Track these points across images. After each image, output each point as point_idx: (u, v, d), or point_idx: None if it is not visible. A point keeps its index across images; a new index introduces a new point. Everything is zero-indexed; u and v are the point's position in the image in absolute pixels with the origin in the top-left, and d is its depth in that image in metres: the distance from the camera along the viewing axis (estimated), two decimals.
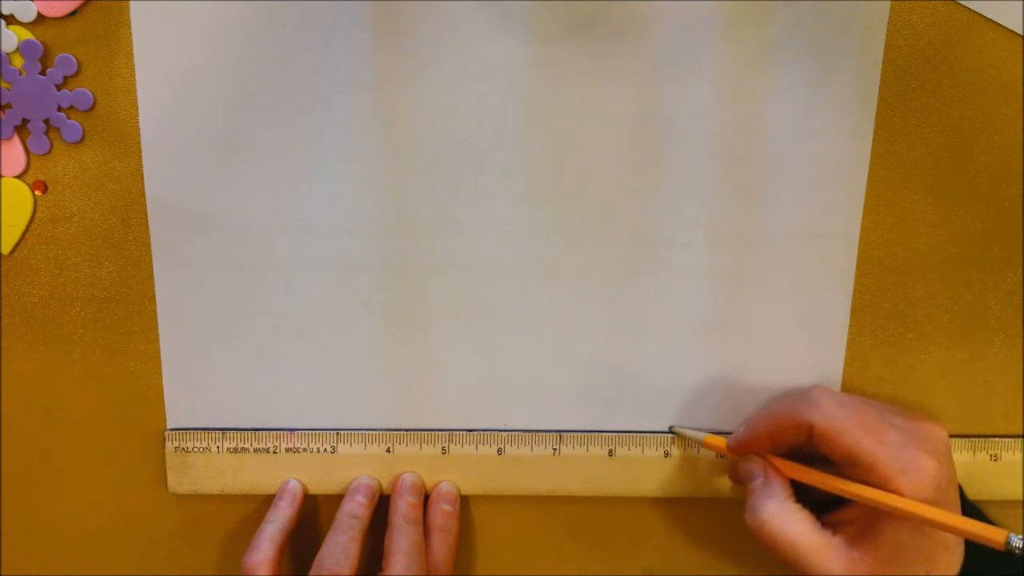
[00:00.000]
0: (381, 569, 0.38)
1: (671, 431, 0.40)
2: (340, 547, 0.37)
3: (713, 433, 0.40)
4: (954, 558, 0.34)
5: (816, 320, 0.40)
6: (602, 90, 0.37)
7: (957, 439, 0.41)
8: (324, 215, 0.38)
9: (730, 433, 0.39)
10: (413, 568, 0.37)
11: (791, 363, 0.40)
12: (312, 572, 0.37)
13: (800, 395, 0.36)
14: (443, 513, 0.40)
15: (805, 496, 0.36)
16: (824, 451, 0.34)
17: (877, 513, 0.34)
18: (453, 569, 0.40)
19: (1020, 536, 0.30)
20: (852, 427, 0.33)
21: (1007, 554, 0.34)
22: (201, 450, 0.40)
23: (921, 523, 0.32)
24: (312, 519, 0.42)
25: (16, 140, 0.37)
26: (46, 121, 0.37)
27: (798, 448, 0.36)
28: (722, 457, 0.40)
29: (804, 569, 0.34)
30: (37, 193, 0.38)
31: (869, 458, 0.33)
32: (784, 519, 0.34)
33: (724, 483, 0.41)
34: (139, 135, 0.37)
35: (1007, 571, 0.34)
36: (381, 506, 0.40)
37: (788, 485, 0.36)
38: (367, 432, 0.40)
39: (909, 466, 0.32)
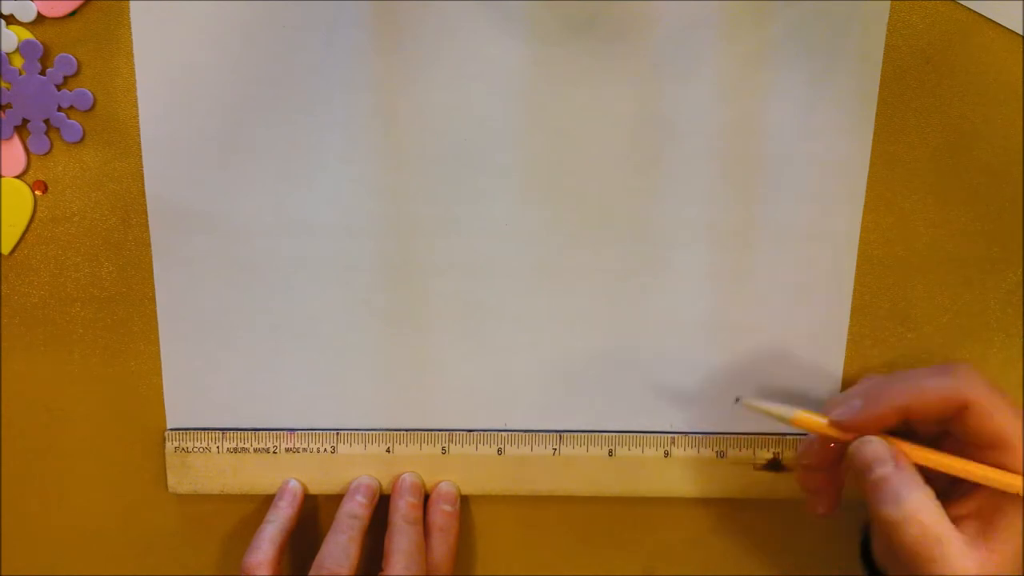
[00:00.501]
0: (381, 569, 0.38)
1: (738, 401, 0.36)
2: (340, 547, 0.37)
3: (729, 433, 0.40)
4: None
5: (816, 320, 0.40)
6: (602, 90, 0.37)
7: None
8: (324, 215, 0.38)
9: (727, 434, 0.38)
10: (413, 568, 0.37)
11: (791, 363, 0.40)
12: (312, 572, 0.37)
13: (940, 368, 0.33)
14: (443, 513, 0.40)
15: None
16: (964, 431, 0.32)
17: (995, 508, 0.32)
18: (453, 569, 0.40)
19: None
20: (1003, 407, 0.31)
21: None
22: (201, 450, 0.40)
23: None
24: (312, 519, 0.42)
25: (16, 140, 0.37)
26: (46, 121, 0.37)
27: (908, 429, 0.33)
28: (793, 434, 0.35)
29: (941, 569, 0.30)
30: (37, 193, 0.38)
31: (1017, 439, 0.31)
32: (933, 511, 0.30)
33: (724, 483, 0.41)
34: (139, 135, 0.37)
35: None
36: (381, 506, 0.40)
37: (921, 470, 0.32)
38: (367, 432, 0.40)
39: None
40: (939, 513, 0.31)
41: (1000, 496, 0.32)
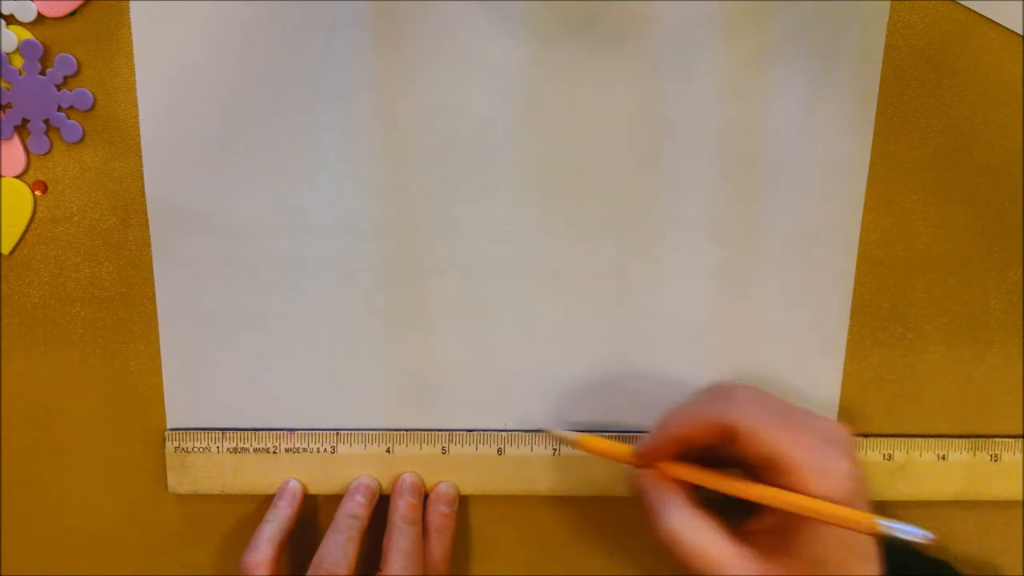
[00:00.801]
0: (379, 569, 0.38)
1: (540, 431, 0.40)
2: (338, 547, 0.37)
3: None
4: (871, 566, 0.33)
5: (816, 320, 0.40)
6: (602, 90, 0.37)
7: (957, 439, 0.41)
8: (324, 215, 0.38)
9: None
10: (410, 568, 0.37)
11: (791, 363, 0.40)
12: (310, 572, 0.37)
13: (716, 393, 0.34)
14: (440, 514, 0.40)
15: (716, 506, 0.34)
16: (740, 453, 0.33)
17: (792, 523, 0.33)
18: (449, 569, 0.40)
19: (885, 521, 0.30)
20: (773, 428, 0.32)
21: (924, 561, 0.33)
22: (201, 450, 0.40)
23: (829, 522, 0.31)
24: (312, 519, 0.42)
25: (16, 140, 0.37)
26: (46, 121, 0.37)
27: (703, 451, 0.35)
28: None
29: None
30: (37, 193, 0.38)
31: (788, 460, 0.31)
32: (694, 529, 0.32)
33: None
34: (139, 135, 0.37)
35: None
36: (381, 506, 0.40)
37: (692, 493, 0.34)
38: (367, 432, 0.40)
39: (825, 469, 0.31)
40: (706, 530, 0.32)
41: (793, 513, 0.32)
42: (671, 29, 0.36)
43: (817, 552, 0.32)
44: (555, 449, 0.40)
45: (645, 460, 0.35)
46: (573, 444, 0.38)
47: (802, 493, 0.32)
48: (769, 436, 0.32)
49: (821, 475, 0.31)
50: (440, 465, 0.40)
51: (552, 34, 0.36)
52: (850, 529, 0.31)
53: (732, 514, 0.34)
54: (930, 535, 0.29)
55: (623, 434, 0.40)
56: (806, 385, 0.40)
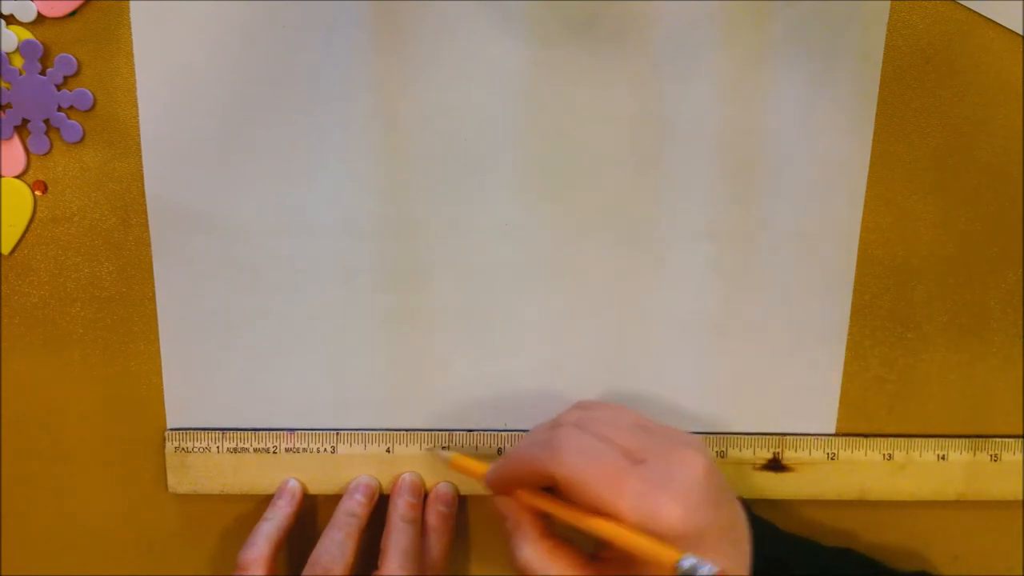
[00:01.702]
0: (377, 568, 0.38)
1: (426, 450, 0.40)
2: (336, 544, 0.37)
3: (717, 433, 0.40)
4: None
5: (816, 320, 0.40)
6: (602, 90, 0.37)
7: (957, 439, 0.41)
8: (324, 215, 0.38)
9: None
10: (408, 567, 0.37)
11: (791, 363, 0.40)
12: (307, 569, 0.37)
13: (543, 439, 0.33)
14: (439, 514, 0.40)
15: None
16: (570, 499, 0.32)
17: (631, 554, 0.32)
18: (447, 569, 0.40)
19: (692, 557, 0.29)
20: (592, 480, 0.31)
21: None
22: (201, 450, 0.40)
23: (637, 554, 0.30)
24: (311, 519, 0.42)
25: (16, 140, 0.37)
26: (46, 121, 0.37)
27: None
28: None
29: None
30: (37, 193, 0.38)
31: (610, 511, 0.31)
32: (542, 562, 0.33)
33: None
34: (139, 135, 0.37)
35: None
36: (380, 505, 0.40)
37: (542, 522, 0.34)
38: (367, 432, 0.40)
39: (648, 519, 0.30)
40: (553, 560, 0.33)
41: None
42: (671, 29, 0.36)
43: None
44: None
45: (497, 490, 0.35)
46: (448, 465, 0.38)
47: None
48: (589, 488, 0.31)
49: (644, 524, 0.30)
50: (440, 465, 0.40)
51: (552, 34, 0.36)
52: (653, 563, 0.30)
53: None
54: (715, 568, 0.29)
55: None
56: (806, 385, 0.40)
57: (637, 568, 0.31)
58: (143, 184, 0.38)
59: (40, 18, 0.36)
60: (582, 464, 0.31)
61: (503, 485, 0.35)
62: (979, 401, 0.41)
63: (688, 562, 0.29)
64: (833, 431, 0.41)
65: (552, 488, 0.33)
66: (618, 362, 0.40)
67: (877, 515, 0.42)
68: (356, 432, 0.40)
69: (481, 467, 0.36)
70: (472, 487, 0.41)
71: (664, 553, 0.30)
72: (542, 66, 0.37)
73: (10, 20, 0.36)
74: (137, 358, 0.40)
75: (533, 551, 0.33)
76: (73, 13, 0.36)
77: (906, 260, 0.39)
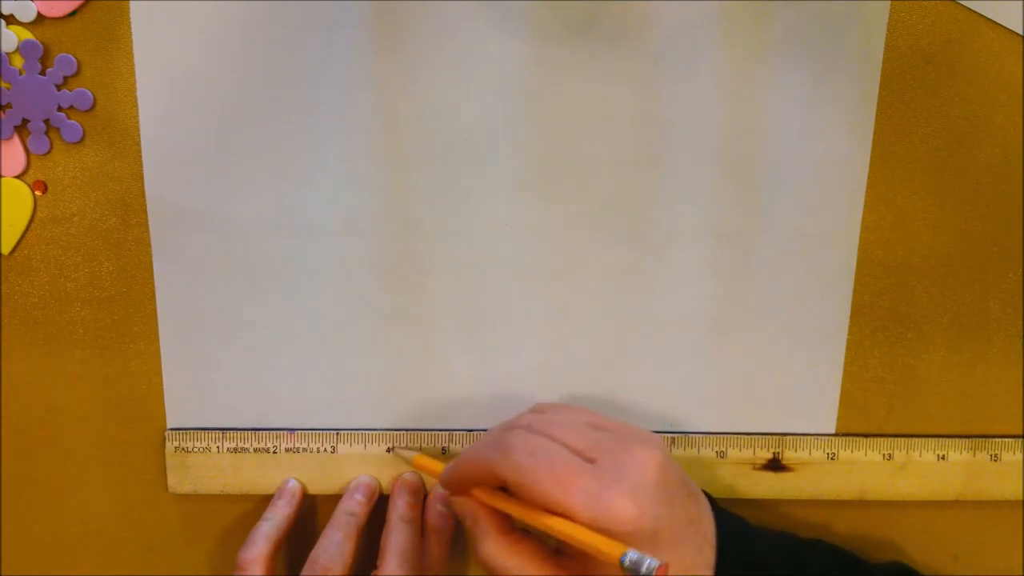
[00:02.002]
0: (376, 567, 0.38)
1: (389, 451, 0.40)
2: (335, 544, 0.37)
3: (715, 433, 0.40)
4: None
5: (816, 320, 0.40)
6: (602, 90, 0.37)
7: (957, 439, 0.41)
8: (324, 215, 0.38)
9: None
10: (407, 567, 0.37)
11: (791, 363, 0.40)
12: (306, 568, 0.37)
13: (495, 441, 0.33)
14: (438, 514, 0.40)
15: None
16: (523, 500, 0.32)
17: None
18: (446, 569, 0.40)
19: (635, 552, 0.29)
20: (541, 480, 0.31)
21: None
22: (201, 450, 0.40)
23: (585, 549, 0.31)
24: (311, 519, 0.42)
25: (16, 140, 0.37)
26: (46, 121, 0.37)
27: None
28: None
29: None
30: (37, 193, 0.38)
31: (562, 510, 0.31)
32: (505, 557, 0.33)
33: (724, 483, 0.41)
34: (139, 135, 0.37)
35: None
36: (380, 505, 0.40)
37: (502, 519, 0.34)
38: (367, 432, 0.40)
39: (600, 516, 0.30)
40: (515, 555, 0.33)
41: None
42: (671, 29, 0.36)
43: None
44: None
45: (449, 490, 0.35)
46: (410, 465, 0.39)
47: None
48: (538, 489, 0.31)
49: (596, 521, 0.30)
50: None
51: (552, 34, 0.36)
52: (600, 558, 0.30)
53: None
54: (657, 563, 0.29)
55: None
56: (806, 385, 0.40)
57: (598, 562, 0.31)
58: (143, 184, 0.38)
59: (40, 18, 0.36)
60: (531, 464, 0.31)
61: (457, 485, 0.35)
62: (979, 401, 0.41)
63: (630, 557, 0.29)
64: (833, 431, 0.41)
65: (506, 488, 0.33)
66: (618, 362, 0.40)
67: (877, 515, 0.42)
68: (356, 432, 0.40)
69: (441, 467, 0.36)
70: None
71: (609, 548, 0.30)
72: (542, 66, 0.37)
73: (10, 20, 0.36)
74: (137, 358, 0.40)
75: (495, 547, 0.33)
76: (73, 13, 0.36)
77: (906, 260, 0.39)
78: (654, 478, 0.32)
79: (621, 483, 0.31)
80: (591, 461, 0.32)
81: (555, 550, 0.34)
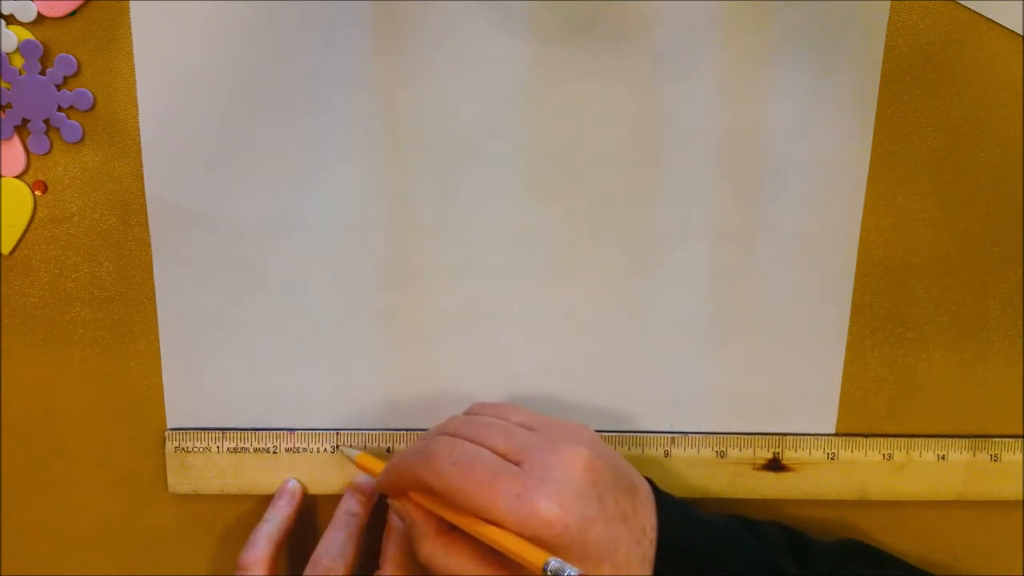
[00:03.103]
0: (378, 568, 0.38)
1: (336, 448, 0.40)
2: (336, 544, 0.37)
3: (712, 433, 0.40)
4: None
5: (816, 320, 0.40)
6: (602, 90, 0.37)
7: (957, 439, 0.41)
8: (324, 215, 0.38)
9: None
10: (409, 568, 0.37)
11: (791, 363, 0.40)
12: (308, 569, 0.37)
13: (420, 449, 0.33)
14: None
15: None
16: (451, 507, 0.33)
17: None
18: None
19: (557, 561, 0.29)
20: (465, 487, 0.31)
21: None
22: (201, 450, 0.40)
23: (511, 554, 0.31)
24: (311, 519, 0.42)
25: (16, 140, 0.37)
26: (46, 121, 0.37)
27: None
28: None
29: None
30: (37, 193, 0.38)
31: (487, 516, 0.31)
32: (441, 557, 0.33)
33: (724, 483, 0.41)
34: (139, 135, 0.37)
35: None
36: (381, 505, 0.40)
37: (439, 520, 0.34)
38: (367, 432, 0.40)
39: (526, 518, 0.30)
40: (450, 554, 0.33)
41: None
42: (671, 29, 0.36)
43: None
44: None
45: (386, 493, 0.36)
46: (355, 463, 0.39)
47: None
48: (462, 496, 0.31)
49: (521, 525, 0.31)
50: None
51: (552, 34, 0.36)
52: (525, 566, 0.30)
53: None
54: (577, 572, 0.29)
55: (623, 433, 0.40)
56: (806, 385, 0.40)
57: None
58: (143, 184, 0.38)
59: (40, 18, 0.36)
60: (454, 472, 0.32)
61: (391, 489, 0.35)
62: (979, 401, 0.41)
63: (552, 566, 0.29)
64: (833, 431, 0.41)
65: None
66: (618, 362, 0.40)
67: (877, 515, 0.42)
68: (356, 432, 0.40)
69: (382, 468, 0.36)
70: None
71: (532, 556, 0.30)
72: (542, 66, 0.37)
73: (10, 20, 0.36)
74: (137, 358, 0.40)
75: (432, 548, 0.33)
76: (73, 13, 0.36)
77: (906, 260, 0.39)
78: (581, 477, 0.32)
79: (545, 484, 0.31)
80: (518, 464, 0.32)
81: (492, 549, 0.33)
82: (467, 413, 0.37)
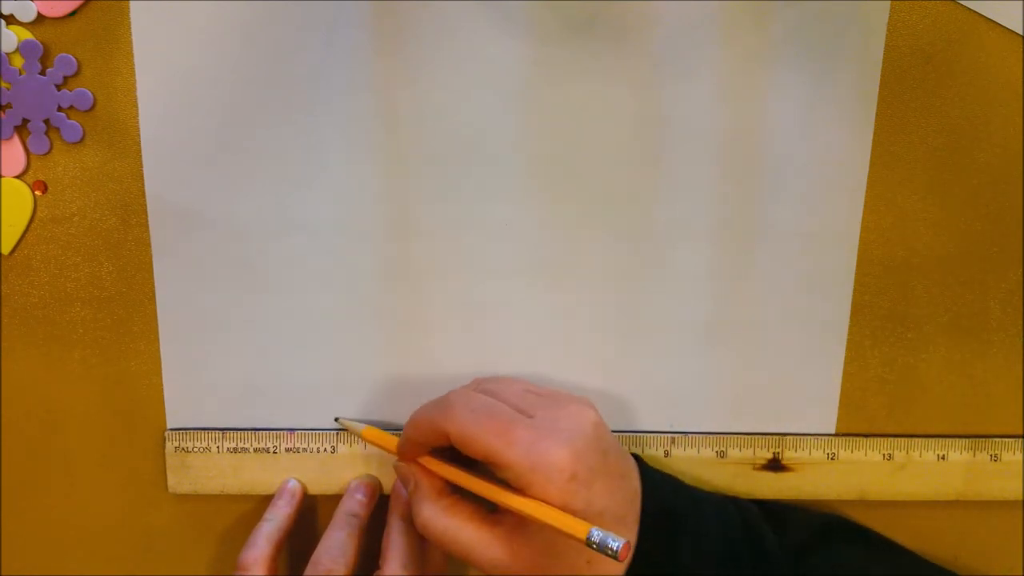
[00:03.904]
0: (379, 567, 0.38)
1: (336, 421, 0.40)
2: (337, 544, 0.37)
3: (715, 434, 0.40)
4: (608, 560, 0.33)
5: (816, 320, 0.40)
6: (602, 90, 0.37)
7: (957, 439, 0.41)
8: (324, 215, 0.38)
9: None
10: (410, 567, 0.37)
11: (791, 363, 0.40)
12: (309, 568, 0.37)
13: (439, 400, 0.35)
14: None
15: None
16: (466, 454, 0.34)
17: None
18: (448, 569, 0.40)
19: (599, 531, 0.30)
20: (482, 432, 0.33)
21: (677, 552, 0.34)
22: (201, 450, 0.40)
23: (548, 524, 0.32)
24: (311, 519, 0.42)
25: (16, 140, 0.37)
26: (46, 121, 0.37)
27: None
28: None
29: (471, 562, 0.34)
30: (37, 193, 0.38)
31: (501, 459, 0.32)
32: (441, 519, 0.35)
33: (724, 483, 0.41)
34: (139, 135, 0.37)
35: (677, 570, 0.34)
36: (381, 505, 0.40)
37: (440, 482, 0.36)
38: None
39: (539, 463, 0.32)
40: (452, 517, 0.35)
41: None
42: (671, 29, 0.36)
43: (549, 536, 0.33)
44: None
45: (404, 457, 0.37)
46: (359, 436, 0.40)
47: (522, 489, 0.32)
48: (479, 440, 0.33)
49: (534, 470, 0.32)
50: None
51: (552, 34, 0.36)
52: (566, 535, 0.31)
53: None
54: (622, 542, 0.30)
55: (624, 433, 0.40)
56: (806, 385, 0.40)
57: (525, 523, 0.33)
58: (143, 184, 0.38)
59: (40, 18, 0.36)
60: (472, 419, 0.33)
61: (408, 450, 0.37)
62: (979, 401, 0.41)
63: (596, 535, 0.30)
64: (833, 431, 0.41)
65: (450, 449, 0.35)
66: (618, 361, 0.40)
67: (877, 515, 0.42)
68: None
69: (392, 440, 0.38)
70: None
71: (574, 525, 0.31)
72: (542, 66, 0.37)
73: (10, 20, 0.36)
74: (137, 358, 0.40)
75: (431, 510, 0.35)
76: (73, 13, 0.36)
77: (906, 260, 0.39)
78: (588, 431, 0.34)
79: (557, 434, 0.33)
80: (529, 416, 0.34)
81: (489, 510, 0.35)
82: (471, 382, 0.39)
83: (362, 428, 0.39)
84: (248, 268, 0.39)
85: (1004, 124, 0.38)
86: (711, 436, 0.41)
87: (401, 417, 0.40)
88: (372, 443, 0.39)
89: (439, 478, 0.36)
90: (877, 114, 0.38)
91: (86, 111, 0.37)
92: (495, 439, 0.33)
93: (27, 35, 0.36)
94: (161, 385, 0.40)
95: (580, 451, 0.33)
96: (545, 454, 0.32)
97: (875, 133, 0.38)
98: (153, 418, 0.40)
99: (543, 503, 0.32)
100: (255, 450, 0.40)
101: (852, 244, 0.39)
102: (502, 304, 0.39)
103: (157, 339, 0.39)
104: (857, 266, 0.39)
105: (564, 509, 0.32)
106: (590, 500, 0.32)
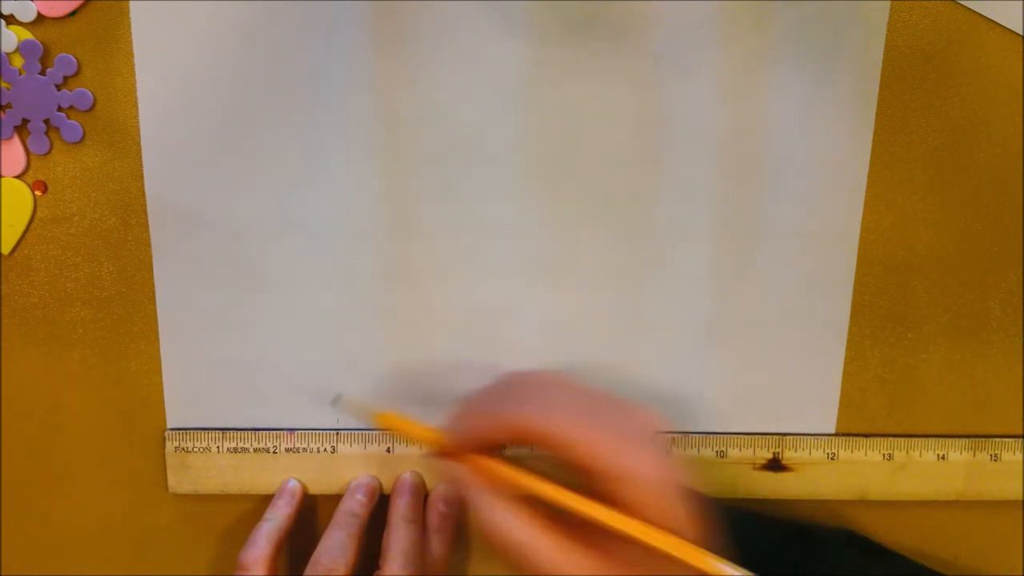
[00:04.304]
0: (379, 568, 0.38)
1: (336, 402, 0.39)
2: (337, 544, 0.37)
3: (712, 434, 0.40)
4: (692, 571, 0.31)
5: (816, 320, 0.40)
6: (602, 90, 0.37)
7: (957, 439, 0.41)
8: (324, 215, 0.38)
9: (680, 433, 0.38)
10: (410, 567, 0.37)
11: (791, 363, 0.40)
12: (309, 568, 0.37)
13: (512, 391, 0.33)
14: (440, 514, 0.40)
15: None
16: (561, 460, 0.31)
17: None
18: (448, 569, 0.40)
19: (729, 566, 0.29)
20: (579, 433, 0.31)
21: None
22: (201, 450, 0.40)
23: (659, 550, 0.30)
24: (311, 519, 0.42)
25: (16, 140, 0.37)
26: (46, 121, 0.37)
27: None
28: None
29: (537, 571, 0.31)
30: (37, 193, 0.38)
31: (598, 467, 0.30)
32: (511, 527, 0.31)
33: (724, 483, 0.41)
34: (139, 135, 0.37)
35: None
36: (381, 505, 0.40)
37: (504, 485, 0.33)
38: (367, 432, 0.40)
39: (636, 470, 0.30)
40: (519, 524, 0.31)
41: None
42: (671, 29, 0.36)
43: (633, 551, 0.31)
44: None
45: (448, 453, 0.34)
46: (373, 419, 0.37)
47: (612, 495, 0.30)
48: (579, 445, 0.31)
49: (632, 480, 0.30)
50: (441, 465, 0.40)
51: (552, 34, 0.36)
52: (686, 564, 0.30)
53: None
54: None
55: None
56: (806, 385, 0.40)
57: (606, 533, 0.31)
58: (143, 184, 0.38)
59: (40, 18, 0.36)
60: (565, 418, 0.31)
61: (461, 445, 0.34)
62: (979, 401, 0.41)
63: (722, 567, 0.29)
64: (833, 431, 0.41)
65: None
66: (617, 361, 0.40)
67: (877, 515, 0.42)
68: (356, 432, 0.40)
69: (418, 428, 0.35)
70: None
71: (698, 558, 0.29)
72: (542, 66, 0.37)
73: (10, 20, 0.36)
74: (137, 358, 0.40)
75: (501, 516, 0.32)
76: (73, 13, 0.36)
77: (906, 260, 0.39)
78: (659, 436, 0.32)
79: (640, 440, 0.31)
80: (607, 419, 0.32)
81: (560, 518, 0.32)
82: (508, 375, 0.35)
83: (378, 414, 0.37)
84: (248, 268, 0.39)
85: (1004, 124, 0.38)
86: (711, 436, 0.41)
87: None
88: (389, 430, 0.36)
89: (498, 480, 0.33)
90: (877, 114, 0.38)
91: (86, 111, 0.37)
92: (596, 444, 0.30)
93: (27, 35, 0.36)
94: (161, 385, 0.40)
95: (662, 456, 0.31)
96: (639, 458, 0.30)
97: (875, 133, 0.38)
98: (153, 418, 0.40)
99: (662, 530, 0.30)
100: (255, 450, 0.40)
101: (852, 244, 0.39)
102: (502, 304, 0.39)
103: (157, 339, 0.39)
104: (857, 266, 0.39)
105: (669, 528, 0.30)
106: (674, 500, 0.31)
